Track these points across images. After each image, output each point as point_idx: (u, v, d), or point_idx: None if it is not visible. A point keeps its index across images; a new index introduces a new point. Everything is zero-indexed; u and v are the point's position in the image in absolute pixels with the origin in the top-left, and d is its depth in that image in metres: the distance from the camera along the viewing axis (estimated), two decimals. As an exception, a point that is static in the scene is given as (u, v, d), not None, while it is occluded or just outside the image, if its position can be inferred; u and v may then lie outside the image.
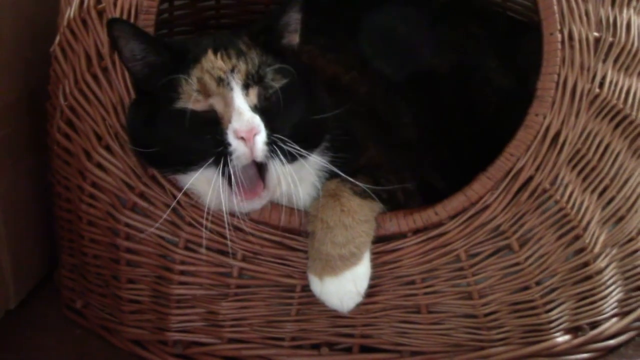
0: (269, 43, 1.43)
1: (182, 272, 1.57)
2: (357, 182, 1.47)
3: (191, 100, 1.37)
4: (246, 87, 1.37)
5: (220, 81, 1.37)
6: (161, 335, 1.62)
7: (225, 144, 1.36)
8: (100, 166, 1.57)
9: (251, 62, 1.39)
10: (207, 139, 1.37)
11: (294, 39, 1.46)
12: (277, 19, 1.44)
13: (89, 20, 1.56)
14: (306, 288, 1.52)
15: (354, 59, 1.74)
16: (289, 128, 1.40)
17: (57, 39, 1.65)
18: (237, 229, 1.52)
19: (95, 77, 1.56)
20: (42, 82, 1.73)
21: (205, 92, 1.37)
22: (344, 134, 1.50)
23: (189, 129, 1.37)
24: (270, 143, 1.37)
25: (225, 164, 1.36)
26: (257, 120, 1.36)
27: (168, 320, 1.61)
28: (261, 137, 1.36)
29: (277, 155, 1.37)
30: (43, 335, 1.74)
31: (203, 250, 1.53)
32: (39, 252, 1.89)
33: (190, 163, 1.39)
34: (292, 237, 1.52)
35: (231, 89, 1.37)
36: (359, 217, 1.47)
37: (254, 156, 1.36)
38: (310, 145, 1.45)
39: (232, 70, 1.37)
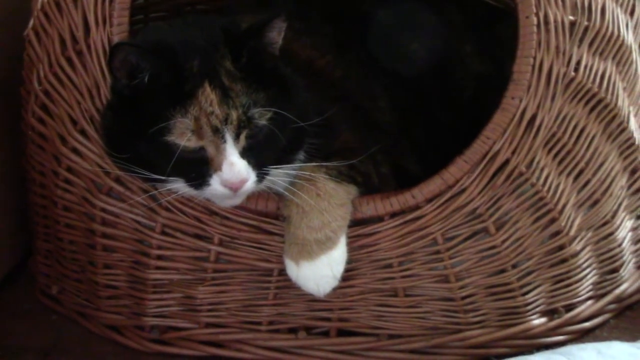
0: (252, 66, 1.40)
1: (159, 257, 1.57)
2: (331, 166, 1.48)
3: (184, 139, 1.35)
4: (237, 135, 1.36)
5: (216, 131, 1.35)
6: (138, 320, 1.62)
7: (209, 182, 1.37)
8: (75, 151, 1.56)
9: (240, 106, 1.36)
10: (191, 173, 1.38)
11: (277, 47, 1.43)
12: (263, 38, 1.41)
13: (63, 3, 1.54)
14: (283, 272, 1.51)
15: (329, 43, 1.74)
16: (275, 154, 1.42)
17: (31, 22, 1.63)
18: (213, 213, 1.52)
19: (69, 60, 1.55)
20: (15, 66, 1.71)
21: (199, 135, 1.35)
22: (319, 118, 1.49)
23: (175, 160, 1.35)
24: (258, 179, 1.39)
25: (202, 189, 1.38)
26: (246, 171, 1.36)
27: (145, 306, 1.60)
28: (249, 183, 1.37)
29: (263, 181, 1.40)
30: (18, 321, 1.73)
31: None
32: (13, 238, 1.87)
33: (167, 182, 1.40)
34: (269, 221, 1.51)
35: (225, 141, 1.35)
36: (334, 201, 1.47)
37: (237, 195, 1.40)
38: (294, 151, 1.47)
39: (226, 121, 1.35)
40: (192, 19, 1.67)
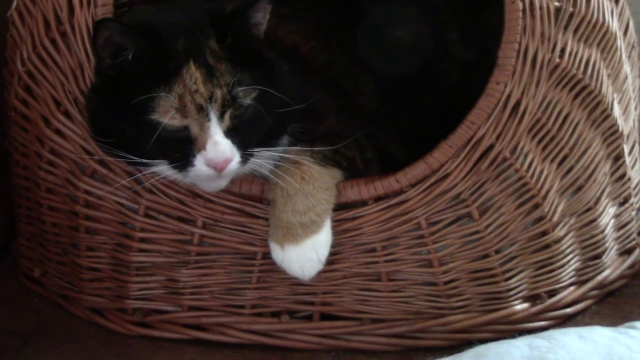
0: (237, 46, 1.40)
1: (142, 240, 1.56)
2: (317, 150, 1.48)
3: (168, 117, 1.35)
4: (222, 114, 1.36)
5: (200, 109, 1.35)
6: (120, 303, 1.61)
7: (193, 163, 1.36)
8: (59, 132, 1.55)
9: (225, 85, 1.36)
10: (175, 154, 1.37)
11: (262, 29, 1.43)
12: (247, 19, 1.41)
13: (47, -16, 1.54)
14: (267, 256, 1.52)
15: (314, 29, 1.74)
16: (260, 136, 1.41)
17: (15, 3, 1.62)
18: (197, 195, 1.51)
19: (53, 42, 1.54)
20: (-2, 48, 1.71)
21: (183, 113, 1.35)
22: (303, 103, 1.49)
23: (159, 140, 1.35)
24: (243, 160, 1.38)
25: (187, 171, 1.38)
26: (230, 151, 1.36)
27: (127, 288, 1.60)
28: (234, 163, 1.37)
29: (247, 163, 1.40)
30: (0, 304, 1.72)
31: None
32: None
33: (151, 165, 1.39)
34: (253, 204, 1.51)
35: (209, 120, 1.35)
36: (319, 184, 1.48)
37: (222, 177, 1.39)
38: (279, 135, 1.47)
39: (210, 99, 1.35)
40: (177, 2, 1.67)
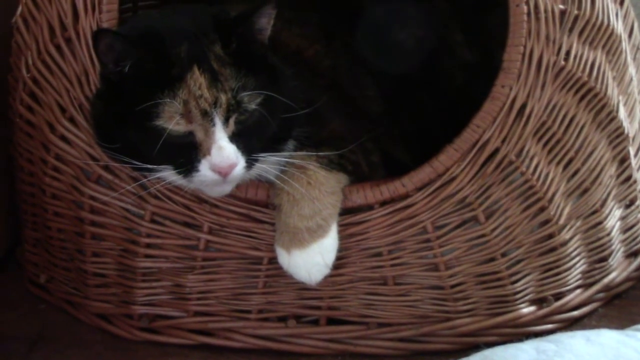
0: (241, 51, 1.40)
1: (148, 245, 1.56)
2: (322, 155, 1.48)
3: (173, 123, 1.35)
4: (227, 119, 1.36)
5: (205, 114, 1.35)
6: (127, 308, 1.61)
7: (198, 168, 1.36)
8: (64, 138, 1.55)
9: (229, 90, 1.36)
10: (180, 159, 1.37)
11: (266, 34, 1.44)
12: (252, 25, 1.41)
13: (51, -10, 1.54)
14: (273, 260, 1.52)
15: (318, 33, 1.74)
16: (265, 141, 1.41)
17: (19, 9, 1.62)
18: (203, 201, 1.51)
19: (58, 48, 1.54)
20: (3, 54, 1.70)
21: (188, 118, 1.35)
22: (308, 107, 1.49)
23: (164, 146, 1.35)
24: (247, 165, 1.38)
25: (192, 176, 1.37)
26: (234, 156, 1.36)
27: (134, 294, 1.60)
28: (239, 168, 1.37)
29: (252, 168, 1.40)
30: (6, 310, 1.72)
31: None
32: (1, 227, 1.86)
33: (157, 170, 1.39)
34: (259, 209, 1.51)
35: (214, 125, 1.35)
36: (325, 189, 1.47)
37: (227, 182, 1.39)
38: (284, 140, 1.47)
39: (215, 104, 1.35)
40: (181, 7, 1.67)
